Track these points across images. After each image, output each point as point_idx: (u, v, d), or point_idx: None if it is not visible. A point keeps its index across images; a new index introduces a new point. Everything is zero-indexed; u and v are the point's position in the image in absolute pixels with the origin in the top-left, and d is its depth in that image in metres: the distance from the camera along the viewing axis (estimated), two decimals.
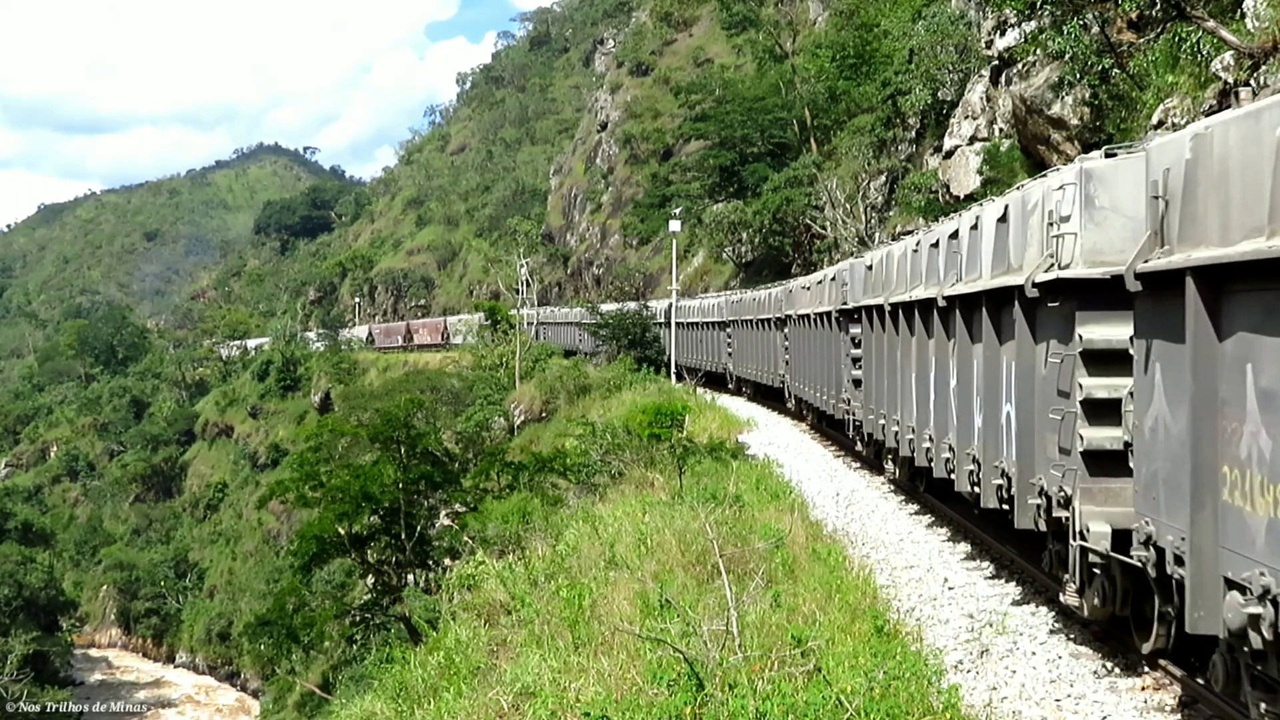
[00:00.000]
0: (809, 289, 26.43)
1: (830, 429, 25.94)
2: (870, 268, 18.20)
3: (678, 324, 46.26)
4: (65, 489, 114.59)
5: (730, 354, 39.96)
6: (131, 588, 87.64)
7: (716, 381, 41.86)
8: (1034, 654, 9.57)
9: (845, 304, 20.77)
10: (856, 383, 19.78)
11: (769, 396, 34.36)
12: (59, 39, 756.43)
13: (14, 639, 56.70)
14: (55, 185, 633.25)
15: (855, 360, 19.73)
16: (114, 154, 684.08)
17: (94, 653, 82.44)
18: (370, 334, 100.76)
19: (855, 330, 19.74)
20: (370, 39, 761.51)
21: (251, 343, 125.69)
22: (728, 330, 39.92)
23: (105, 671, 78.93)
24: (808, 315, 25.81)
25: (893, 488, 18.82)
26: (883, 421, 17.17)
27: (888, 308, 16.36)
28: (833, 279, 22.82)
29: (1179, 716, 8.07)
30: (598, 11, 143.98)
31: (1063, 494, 9.31)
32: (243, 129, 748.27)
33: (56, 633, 67.10)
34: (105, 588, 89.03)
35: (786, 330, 29.90)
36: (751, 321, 35.23)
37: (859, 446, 20.75)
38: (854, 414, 20.29)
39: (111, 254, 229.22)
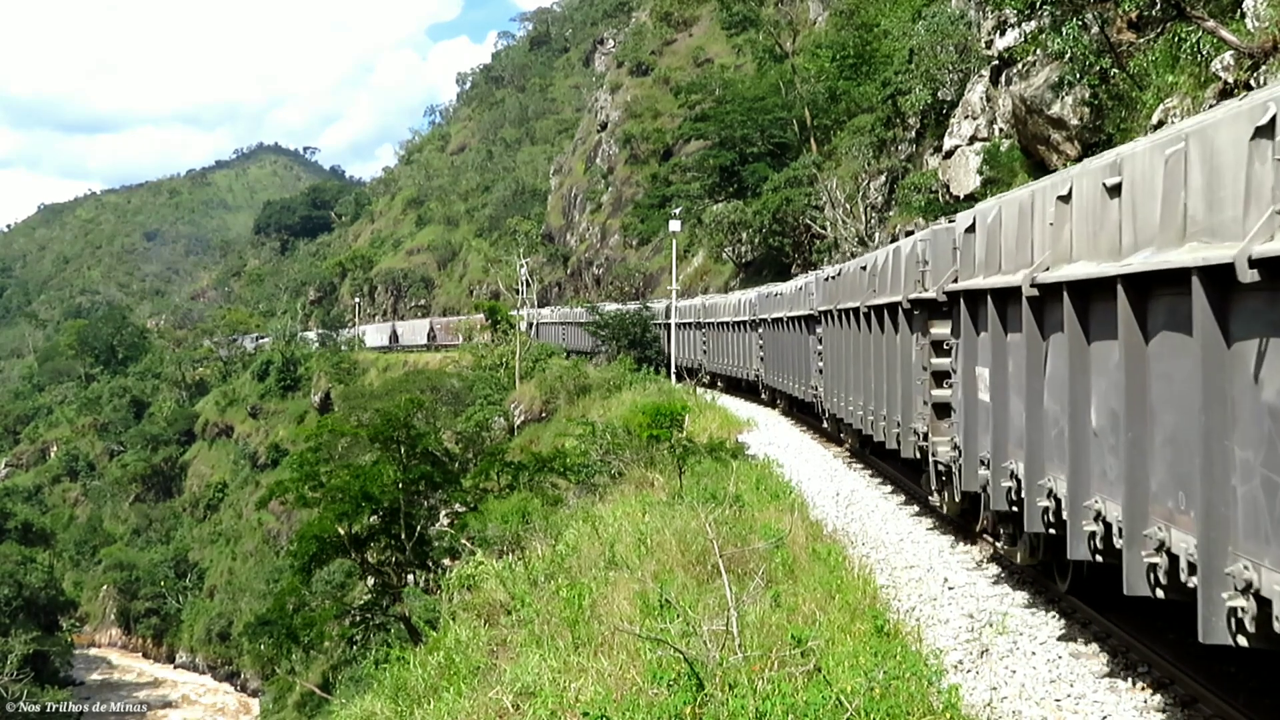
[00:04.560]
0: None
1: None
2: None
3: (708, 324, 45.02)
4: (65, 489, 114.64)
5: (820, 372, 24.21)
6: (131, 588, 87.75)
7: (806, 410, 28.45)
8: (1034, 654, 9.57)
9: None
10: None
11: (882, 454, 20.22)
12: (59, 39, 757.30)
13: (14, 639, 56.75)
14: (55, 185, 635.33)
15: None
16: (114, 154, 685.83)
17: (94, 653, 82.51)
18: (431, 330, 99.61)
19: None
20: (372, 39, 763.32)
21: (251, 343, 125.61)
22: (817, 332, 24.79)
23: (105, 671, 78.99)
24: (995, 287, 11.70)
25: (892, 488, 18.76)
26: None
27: None
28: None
29: (1179, 716, 8.06)
30: (598, 11, 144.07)
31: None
32: (243, 129, 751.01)
33: (56, 633, 67.16)
34: (105, 588, 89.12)
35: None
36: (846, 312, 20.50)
37: None
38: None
39: (111, 254, 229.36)
